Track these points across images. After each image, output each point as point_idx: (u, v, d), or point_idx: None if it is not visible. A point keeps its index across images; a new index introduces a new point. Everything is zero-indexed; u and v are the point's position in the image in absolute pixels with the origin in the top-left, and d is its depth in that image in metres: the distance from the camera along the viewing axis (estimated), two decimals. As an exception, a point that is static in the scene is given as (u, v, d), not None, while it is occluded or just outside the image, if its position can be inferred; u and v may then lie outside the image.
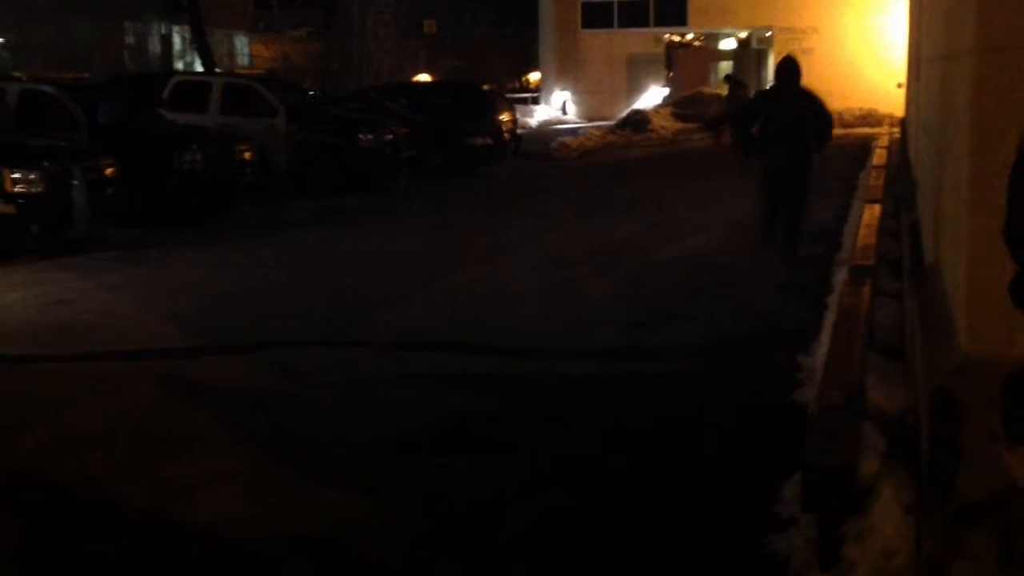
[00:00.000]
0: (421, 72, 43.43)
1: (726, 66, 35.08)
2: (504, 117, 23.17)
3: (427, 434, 5.57)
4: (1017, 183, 2.77)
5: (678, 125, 30.18)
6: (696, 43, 39.09)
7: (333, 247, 12.00)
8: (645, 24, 37.03)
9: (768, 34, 35.59)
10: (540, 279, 9.81)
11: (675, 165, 22.08)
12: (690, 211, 14.54)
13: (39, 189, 10.95)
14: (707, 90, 32.87)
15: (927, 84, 6.66)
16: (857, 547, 3.42)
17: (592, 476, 5.02)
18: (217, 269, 10.65)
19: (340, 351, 7.35)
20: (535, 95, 41.00)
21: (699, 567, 4.08)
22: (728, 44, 38.97)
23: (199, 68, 32.95)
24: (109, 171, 12.23)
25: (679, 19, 36.55)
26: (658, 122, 29.99)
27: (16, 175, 10.78)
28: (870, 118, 29.62)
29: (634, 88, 36.96)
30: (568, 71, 37.85)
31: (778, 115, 9.49)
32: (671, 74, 37.14)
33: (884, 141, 17.58)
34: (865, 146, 20.21)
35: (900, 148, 14.72)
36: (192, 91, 17.84)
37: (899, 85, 25.43)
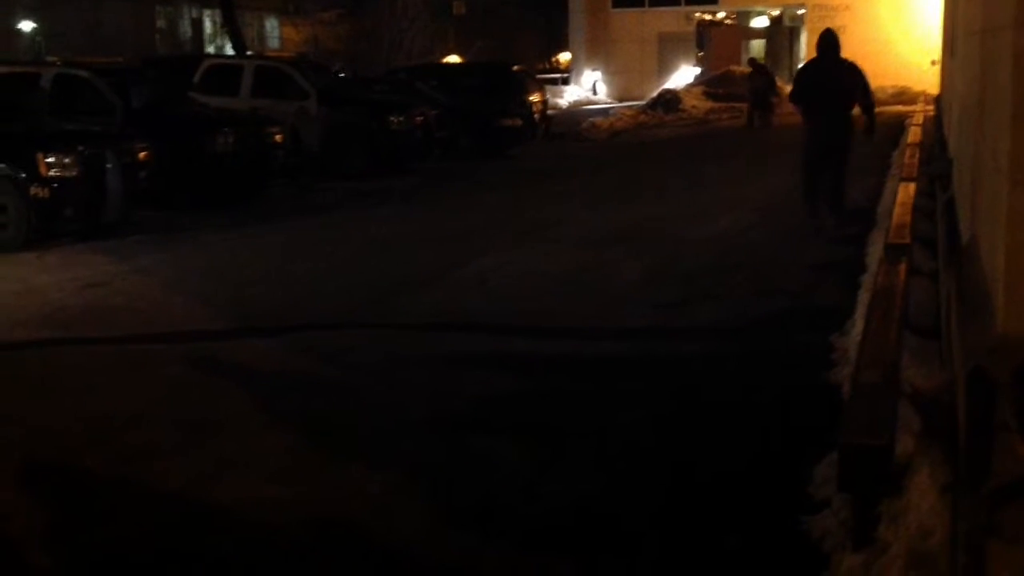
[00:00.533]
0: (451, 53, 43.41)
1: (758, 44, 34.88)
2: (534, 98, 23.11)
3: (460, 415, 5.57)
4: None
5: (709, 104, 30.00)
6: (727, 21, 38.79)
7: (364, 229, 12.02)
8: (676, 3, 36.83)
9: (801, 12, 35.29)
10: (572, 260, 9.79)
11: (706, 145, 21.95)
12: (722, 191, 14.46)
13: (73, 173, 11.02)
14: (738, 69, 32.64)
15: (964, 60, 6.57)
16: (892, 527, 3.39)
17: (624, 457, 5.00)
18: (249, 252, 10.69)
19: (373, 332, 7.36)
20: (565, 75, 40.86)
21: (730, 549, 4.06)
22: (760, 22, 38.64)
23: (230, 51, 33.08)
24: (142, 155, 12.29)
25: (710, -3, 36.35)
26: (689, 102, 29.83)
27: (50, 159, 10.86)
28: (904, 96, 29.31)
29: (665, 68, 36.76)
30: (598, 51, 37.69)
31: (820, 83, 10.58)
32: (702, 53, 36.92)
33: (919, 119, 17.38)
34: (899, 124, 20.02)
35: (935, 126, 14.56)
36: (223, 74, 17.91)
37: (933, 62, 25.24)
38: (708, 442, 5.17)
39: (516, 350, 6.97)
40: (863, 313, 5.79)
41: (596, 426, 5.42)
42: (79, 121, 12.56)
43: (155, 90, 15.16)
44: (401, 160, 17.55)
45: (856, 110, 10.82)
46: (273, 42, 46.49)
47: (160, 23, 37.20)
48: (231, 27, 32.73)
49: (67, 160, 10.99)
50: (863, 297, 6.79)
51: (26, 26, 41.99)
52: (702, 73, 34.72)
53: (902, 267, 5.57)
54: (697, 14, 37.47)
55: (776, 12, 37.94)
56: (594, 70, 38.05)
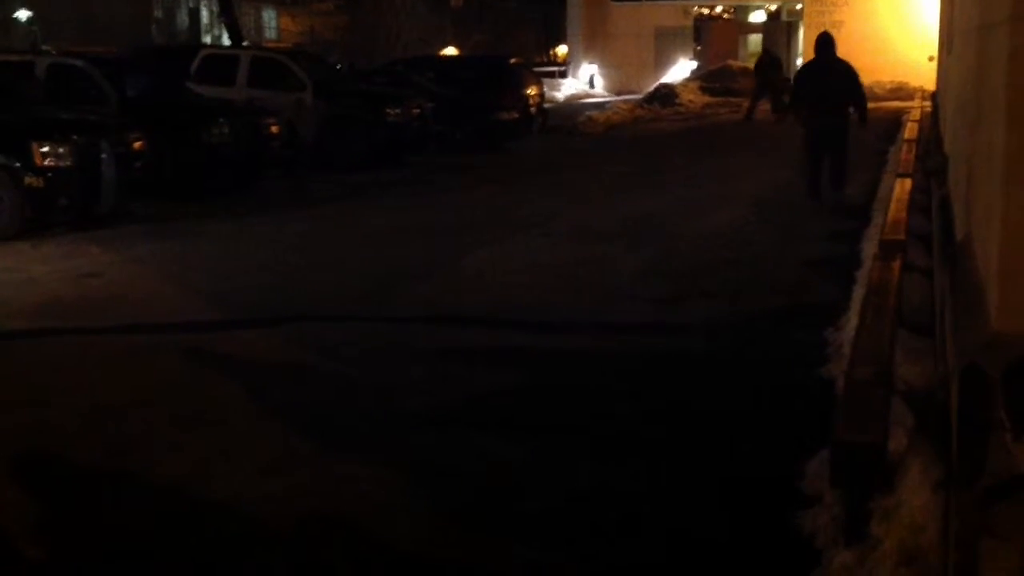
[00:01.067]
0: (448, 46, 43.35)
1: (755, 39, 34.85)
2: (531, 91, 23.05)
3: (455, 409, 5.56)
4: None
5: (706, 99, 29.98)
6: (725, 16, 38.77)
7: (360, 221, 12.00)
8: (674, -4, 36.75)
9: (798, 6, 35.22)
10: (568, 254, 9.78)
11: (703, 139, 21.93)
12: (718, 185, 14.45)
13: (68, 163, 10.98)
14: (735, 63, 32.63)
15: (960, 56, 6.56)
16: (884, 524, 3.39)
17: (617, 452, 5.00)
18: (244, 243, 10.67)
19: (368, 325, 7.36)
20: (562, 69, 40.79)
21: (722, 543, 4.06)
22: (758, 17, 38.62)
23: (227, 42, 33.00)
24: (137, 144, 12.26)
25: (708, -9, 36.30)
26: (686, 96, 29.79)
27: (45, 148, 10.82)
28: (901, 91, 29.30)
29: (662, 61, 36.70)
30: (596, 45, 37.63)
31: (819, 82, 11.75)
32: (699, 47, 36.88)
33: (915, 115, 17.38)
34: (896, 120, 20.02)
35: (931, 122, 14.56)
36: (220, 65, 17.86)
37: (930, 58, 25.19)
38: (699, 437, 5.17)
39: (510, 344, 6.97)
40: (858, 309, 5.79)
41: (590, 420, 5.43)
42: (74, 110, 12.52)
43: (151, 80, 15.13)
44: (397, 152, 17.51)
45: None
46: (270, 33, 46.41)
47: (157, 13, 37.15)
48: (228, 17, 32.63)
49: (62, 150, 10.96)
50: (858, 293, 6.79)
51: (22, 15, 41.93)
52: (699, 67, 34.69)
53: (897, 264, 5.57)
54: (695, 8, 37.43)
55: (774, 7, 37.92)
56: (591, 63, 37.99)
